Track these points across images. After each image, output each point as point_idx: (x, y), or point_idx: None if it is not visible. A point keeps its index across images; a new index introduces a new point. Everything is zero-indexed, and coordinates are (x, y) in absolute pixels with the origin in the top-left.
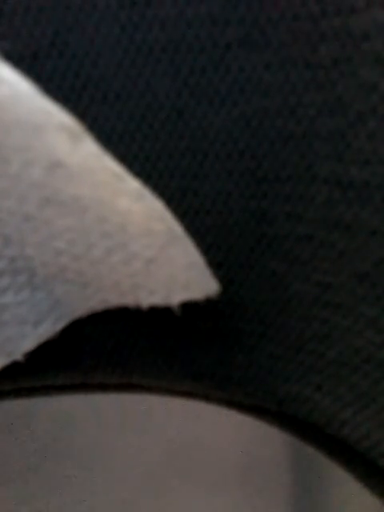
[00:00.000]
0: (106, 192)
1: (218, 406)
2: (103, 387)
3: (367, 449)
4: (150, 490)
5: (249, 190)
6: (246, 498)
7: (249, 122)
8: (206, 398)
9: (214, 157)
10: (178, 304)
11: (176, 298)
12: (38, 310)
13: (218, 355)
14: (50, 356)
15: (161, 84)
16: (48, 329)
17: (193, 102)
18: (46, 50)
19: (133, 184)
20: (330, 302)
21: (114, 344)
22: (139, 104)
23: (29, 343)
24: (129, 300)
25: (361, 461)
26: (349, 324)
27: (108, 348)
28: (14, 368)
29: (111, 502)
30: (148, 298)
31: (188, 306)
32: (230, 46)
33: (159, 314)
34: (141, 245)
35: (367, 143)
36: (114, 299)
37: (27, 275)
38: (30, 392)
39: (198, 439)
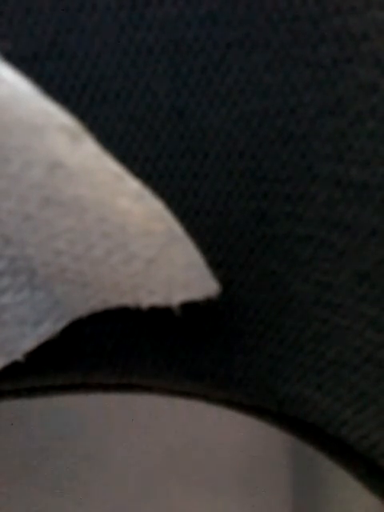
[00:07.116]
0: (105, 192)
1: (218, 406)
2: (103, 387)
3: (367, 449)
4: (150, 489)
5: (249, 190)
6: (246, 498)
7: (249, 122)
8: (206, 398)
9: (214, 157)
10: (178, 304)
11: (176, 298)
12: (38, 310)
13: (218, 355)
14: (50, 356)
15: (161, 84)
16: (48, 329)
17: (193, 102)
18: (46, 50)
19: (133, 184)
20: (330, 302)
21: (114, 344)
22: (139, 104)
23: (29, 343)
24: (129, 300)
25: (361, 461)
26: (349, 324)
27: (108, 348)
28: (14, 368)
29: (111, 502)
30: (148, 298)
31: (188, 306)
32: (230, 46)
33: (159, 314)
34: (141, 245)
35: (367, 143)
36: (114, 299)
37: (27, 275)
38: (30, 392)
39: (198, 440)
